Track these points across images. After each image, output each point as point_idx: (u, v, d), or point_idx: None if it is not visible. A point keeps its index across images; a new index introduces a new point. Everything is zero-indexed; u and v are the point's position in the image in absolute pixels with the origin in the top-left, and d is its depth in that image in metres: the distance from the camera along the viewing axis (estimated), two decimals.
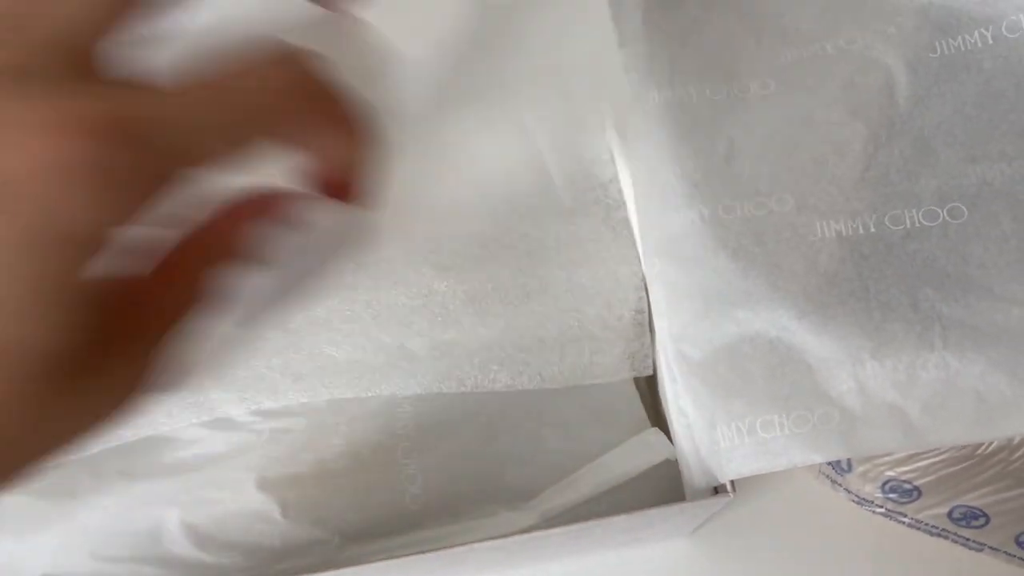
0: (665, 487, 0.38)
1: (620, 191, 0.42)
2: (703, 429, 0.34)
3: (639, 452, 0.38)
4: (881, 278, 0.32)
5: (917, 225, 0.33)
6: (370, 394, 0.37)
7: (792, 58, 0.38)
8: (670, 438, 0.38)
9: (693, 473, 0.35)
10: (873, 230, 0.33)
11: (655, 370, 0.40)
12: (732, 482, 0.34)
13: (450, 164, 0.41)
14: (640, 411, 0.40)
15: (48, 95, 0.16)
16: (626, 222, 0.41)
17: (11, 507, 0.37)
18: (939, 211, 0.33)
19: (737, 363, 0.33)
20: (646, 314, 0.40)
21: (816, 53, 0.38)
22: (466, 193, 0.41)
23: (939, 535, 0.36)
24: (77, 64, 0.18)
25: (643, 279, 0.40)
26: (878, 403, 0.30)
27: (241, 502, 0.36)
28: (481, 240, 0.40)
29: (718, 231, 0.35)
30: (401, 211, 0.39)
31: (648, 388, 0.41)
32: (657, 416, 0.40)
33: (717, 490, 0.35)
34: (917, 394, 0.30)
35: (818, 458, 0.30)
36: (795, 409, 0.31)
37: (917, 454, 0.34)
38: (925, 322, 0.31)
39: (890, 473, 0.34)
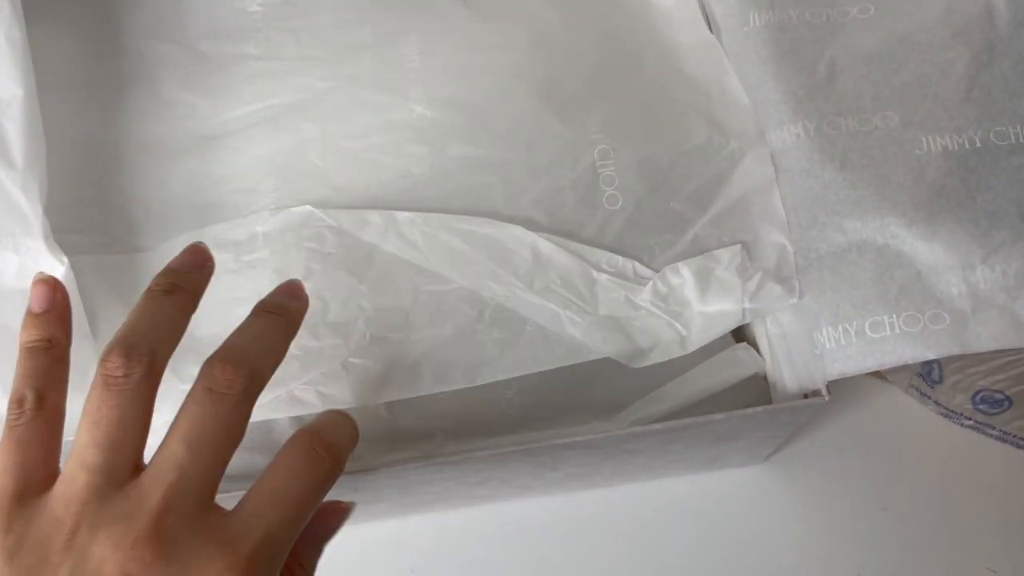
0: (752, 402, 0.39)
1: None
2: (803, 334, 0.35)
3: (727, 366, 0.39)
4: (988, 188, 0.33)
5: (1022, 140, 0.34)
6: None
7: None
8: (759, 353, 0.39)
9: (785, 381, 0.36)
10: (979, 145, 0.34)
11: None
12: (827, 386, 0.35)
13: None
14: (727, 335, 0.41)
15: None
16: None
17: None
18: None
19: (843, 269, 0.34)
20: None
21: None
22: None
23: None
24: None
25: None
26: (988, 305, 0.32)
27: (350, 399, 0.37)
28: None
29: (824, 144, 0.36)
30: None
31: None
32: (743, 338, 0.41)
33: (806, 396, 0.36)
34: None
35: (930, 354, 0.32)
36: (905, 310, 0.32)
37: (1010, 362, 0.35)
38: None
39: (982, 383, 0.36)
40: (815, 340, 0.34)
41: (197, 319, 0.30)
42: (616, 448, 0.38)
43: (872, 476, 0.43)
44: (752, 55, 0.38)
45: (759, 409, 0.35)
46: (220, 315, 0.34)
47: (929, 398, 0.38)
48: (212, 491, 0.27)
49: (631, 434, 0.36)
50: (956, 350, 0.31)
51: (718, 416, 0.35)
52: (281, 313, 0.31)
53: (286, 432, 0.37)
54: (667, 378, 0.39)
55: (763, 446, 0.43)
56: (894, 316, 0.33)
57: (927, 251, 0.33)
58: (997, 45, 0.36)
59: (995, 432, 0.37)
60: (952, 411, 0.37)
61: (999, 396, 0.36)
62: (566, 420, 0.38)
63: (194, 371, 0.29)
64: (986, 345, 0.31)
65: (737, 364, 0.39)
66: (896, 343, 0.32)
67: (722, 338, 0.40)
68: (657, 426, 0.35)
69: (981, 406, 0.36)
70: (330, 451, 0.29)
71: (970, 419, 0.37)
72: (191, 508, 0.26)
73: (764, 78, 0.38)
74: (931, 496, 0.42)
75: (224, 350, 0.29)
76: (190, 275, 0.31)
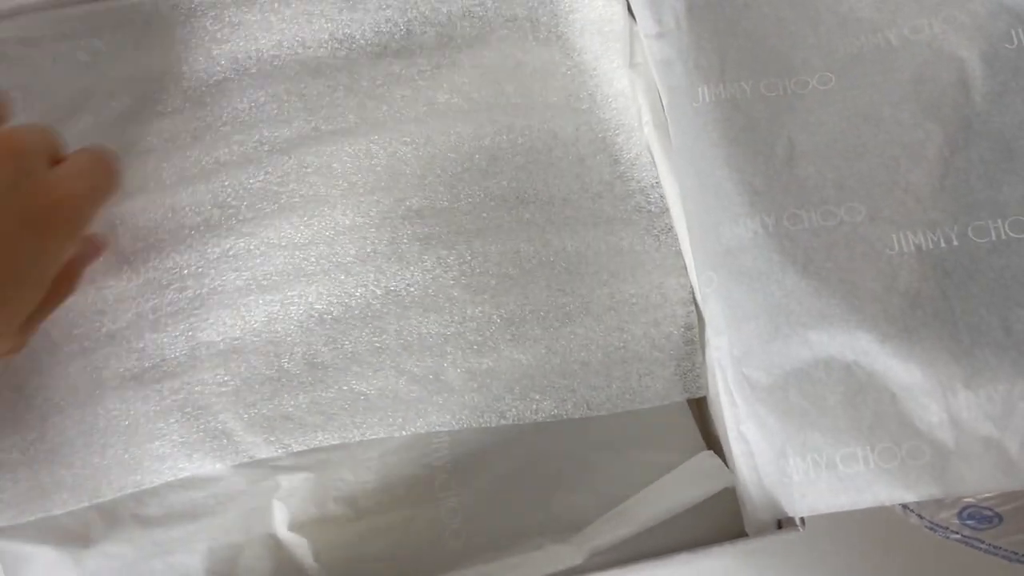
0: (720, 513, 0.35)
1: (662, 196, 0.39)
2: (770, 459, 0.32)
3: (694, 479, 0.35)
4: (968, 297, 0.30)
5: (1004, 237, 0.30)
6: (405, 432, 0.34)
7: (853, 49, 0.35)
8: (725, 461, 0.36)
9: (756, 504, 0.33)
10: (956, 243, 0.30)
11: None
12: (802, 518, 0.31)
13: (480, 177, 0.38)
14: (694, 429, 0.37)
15: None
16: (671, 230, 0.38)
17: (21, 555, 0.34)
18: None
19: (811, 390, 0.31)
20: (696, 330, 0.37)
21: (879, 44, 0.35)
22: (496, 208, 0.38)
23: (1018, 561, 0.34)
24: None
25: (691, 292, 0.37)
26: (973, 437, 0.28)
27: (270, 546, 0.34)
28: (515, 258, 0.37)
29: (784, 243, 0.32)
30: (427, 227, 0.36)
31: (695, 407, 0.39)
32: (707, 437, 0.38)
33: (781, 523, 0.33)
34: (1016, 427, 0.28)
35: (910, 496, 0.28)
36: (880, 441, 0.29)
37: None
38: (1020, 347, 0.28)
39: (969, 500, 0.32)
40: (782, 468, 0.31)
41: None
42: None
43: (855, 572, 0.40)
44: (703, 136, 0.34)
45: (728, 546, 0.32)
46: None
47: (912, 511, 0.34)
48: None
49: None
50: (938, 492, 0.28)
51: (685, 555, 0.32)
52: None
53: None
54: (631, 487, 0.36)
55: (734, 557, 0.40)
56: (868, 448, 0.29)
57: (903, 372, 0.29)
58: (973, 122, 0.32)
59: (984, 546, 0.34)
60: (937, 525, 0.34)
61: (988, 513, 0.32)
62: (518, 547, 0.35)
63: None
64: (971, 488, 0.28)
65: (704, 477, 0.35)
66: (871, 480, 0.29)
67: (689, 439, 0.37)
68: (615, 571, 0.32)
69: (969, 522, 0.33)
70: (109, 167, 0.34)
71: (957, 533, 0.34)
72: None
73: (716, 164, 0.34)
74: None
75: None
76: None
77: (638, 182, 0.39)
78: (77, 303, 0.36)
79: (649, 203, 0.39)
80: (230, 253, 0.36)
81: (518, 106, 0.40)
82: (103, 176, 0.33)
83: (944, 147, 0.32)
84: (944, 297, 0.30)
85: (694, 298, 0.37)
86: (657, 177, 0.39)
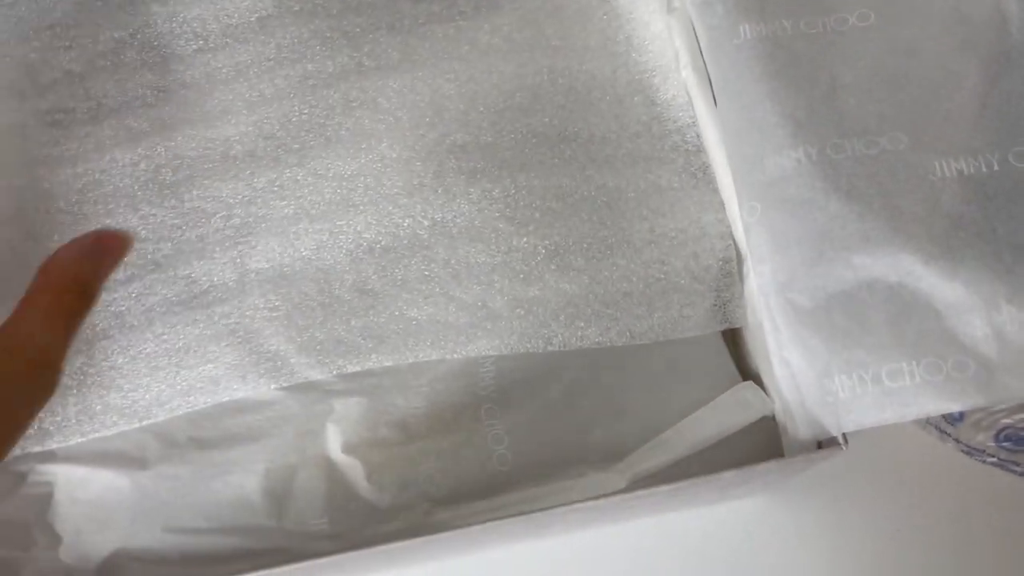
0: (760, 442, 0.36)
1: (699, 135, 0.39)
2: (813, 380, 0.32)
3: (734, 409, 0.36)
4: (1009, 218, 0.30)
5: None
6: (455, 356, 0.35)
7: None
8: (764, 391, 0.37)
9: (798, 426, 0.34)
10: (997, 168, 0.31)
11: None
12: (844, 435, 0.32)
13: (522, 115, 0.39)
14: (730, 364, 0.38)
15: None
16: (707, 168, 0.39)
17: (76, 478, 0.35)
18: None
19: (855, 310, 0.31)
20: (735, 263, 0.38)
21: None
22: (538, 144, 0.39)
23: None
24: None
25: (728, 227, 0.38)
26: (1017, 349, 0.29)
27: (324, 468, 0.35)
28: (558, 192, 0.38)
29: (828, 171, 0.33)
30: (471, 161, 0.37)
31: (732, 342, 0.39)
32: (743, 371, 0.39)
33: (820, 444, 0.34)
34: None
35: (955, 407, 0.29)
36: (925, 356, 0.30)
37: None
38: None
39: (1006, 420, 0.33)
40: (827, 387, 0.32)
41: None
42: (617, 508, 0.35)
43: (885, 507, 0.41)
44: (745, 73, 0.35)
45: (771, 463, 0.33)
46: None
47: (949, 435, 0.35)
48: None
49: (634, 497, 0.33)
50: (983, 401, 0.29)
51: (728, 473, 0.32)
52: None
53: (258, 509, 0.34)
54: (668, 420, 0.37)
55: (771, 485, 0.41)
56: (913, 363, 0.30)
57: (947, 290, 0.30)
58: (1012, 54, 0.33)
59: (1020, 469, 0.35)
60: (974, 448, 0.35)
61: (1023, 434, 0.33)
62: (561, 474, 0.36)
63: None
64: (1017, 396, 0.29)
65: (744, 406, 0.36)
66: (917, 393, 0.30)
67: (725, 373, 0.38)
68: (662, 487, 0.32)
69: (1005, 443, 0.34)
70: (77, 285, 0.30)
71: (993, 456, 0.35)
72: None
73: (759, 99, 0.35)
74: (948, 528, 0.40)
75: None
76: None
77: (675, 122, 0.40)
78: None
79: (686, 142, 0.39)
80: (277, 183, 0.37)
81: (557, 48, 0.40)
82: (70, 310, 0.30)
83: (983, 77, 0.33)
84: (986, 219, 0.31)
85: (731, 233, 0.38)
86: (694, 117, 0.40)
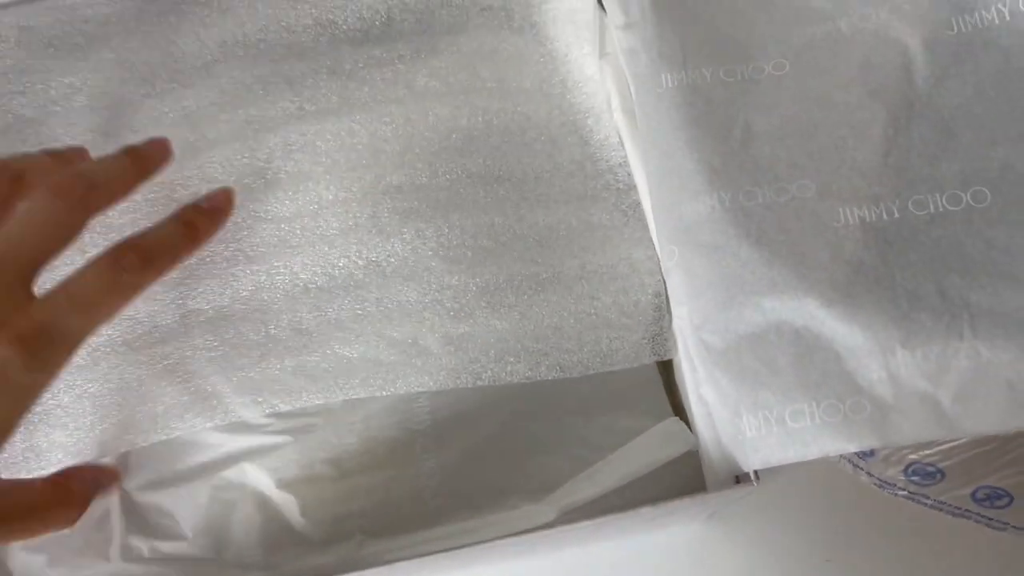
0: (685, 474, 0.38)
1: (630, 174, 0.41)
2: (726, 418, 0.34)
3: (660, 443, 0.38)
4: (907, 265, 0.32)
5: (940, 210, 0.33)
6: (385, 393, 0.36)
7: (806, 37, 0.38)
8: (689, 426, 0.38)
9: (714, 462, 0.35)
10: (897, 215, 0.33)
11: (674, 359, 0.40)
12: (756, 471, 0.34)
13: (457, 155, 0.41)
14: (662, 395, 0.39)
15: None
16: (638, 205, 0.40)
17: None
18: (962, 195, 0.33)
19: (762, 352, 0.33)
20: (664, 297, 0.39)
21: (830, 31, 0.37)
22: (472, 184, 0.40)
23: (961, 515, 0.36)
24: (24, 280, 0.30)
25: (658, 263, 0.39)
26: (910, 392, 0.30)
27: (260, 503, 0.36)
28: (491, 231, 0.39)
29: (739, 217, 0.34)
30: (406, 202, 0.38)
31: (664, 373, 0.41)
32: (674, 403, 0.40)
33: (739, 479, 0.35)
34: (948, 383, 0.30)
35: (851, 447, 0.30)
36: (825, 398, 0.31)
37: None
38: (953, 311, 0.31)
39: (913, 456, 0.35)
40: (737, 425, 0.33)
41: None
42: (544, 541, 0.36)
43: (809, 536, 0.42)
44: (665, 120, 0.37)
45: (687, 499, 0.34)
46: None
47: (861, 469, 0.37)
48: (29, 270, 0.30)
49: (559, 531, 0.34)
50: (877, 443, 0.30)
51: (646, 508, 0.34)
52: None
53: (196, 542, 0.35)
54: (601, 451, 0.38)
55: (701, 515, 0.42)
56: (814, 404, 0.31)
57: (846, 334, 0.32)
58: (915, 104, 0.35)
59: (929, 502, 0.36)
60: (886, 482, 0.36)
61: (931, 469, 0.35)
62: (493, 506, 0.37)
63: None
64: (908, 438, 0.30)
65: (670, 440, 0.38)
66: (816, 433, 0.31)
67: (658, 404, 0.39)
68: (586, 523, 0.34)
69: (914, 478, 0.35)
70: (142, 256, 0.32)
71: (904, 489, 0.36)
72: (7, 277, 0.29)
73: (678, 145, 0.36)
74: (872, 552, 0.41)
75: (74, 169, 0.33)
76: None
77: (607, 162, 0.41)
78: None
79: (618, 181, 0.41)
80: None
81: (493, 90, 0.42)
82: (106, 300, 0.31)
83: (888, 127, 0.34)
84: (885, 265, 0.32)
85: (660, 269, 0.39)
86: (625, 157, 0.41)
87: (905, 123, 0.34)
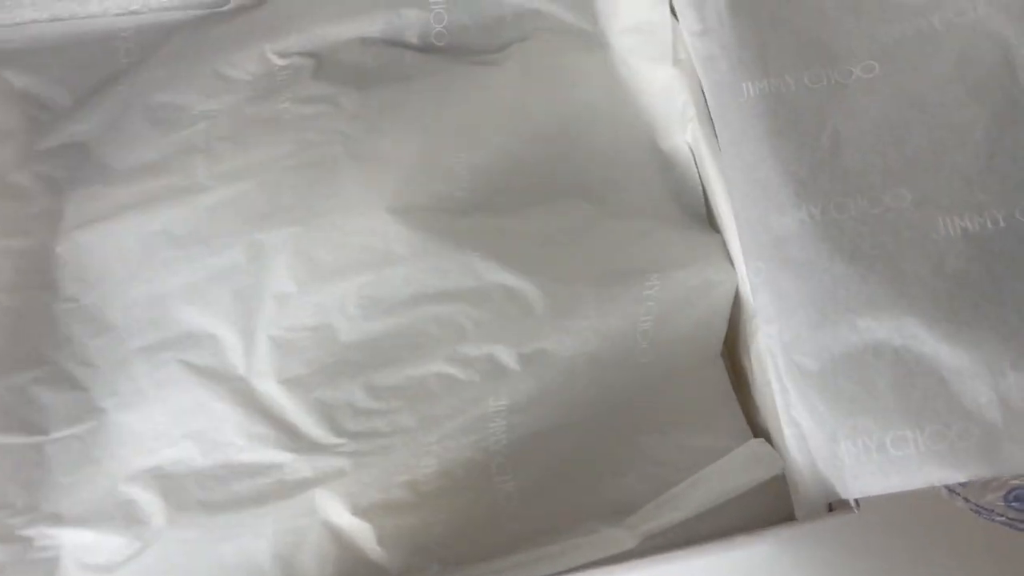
0: (769, 498, 0.36)
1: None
2: (822, 443, 0.32)
3: (745, 466, 0.36)
4: (1016, 278, 0.30)
5: None
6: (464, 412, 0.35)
7: (896, 35, 0.35)
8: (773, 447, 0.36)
9: (808, 488, 0.33)
10: (1003, 224, 0.31)
11: (750, 378, 0.38)
12: (856, 499, 0.32)
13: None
14: (737, 412, 0.38)
15: None
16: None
17: (83, 543, 0.36)
18: None
19: (859, 374, 0.31)
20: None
21: (922, 28, 0.35)
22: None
23: None
24: None
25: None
26: (1022, 417, 0.28)
27: (334, 531, 0.35)
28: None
29: (831, 232, 0.32)
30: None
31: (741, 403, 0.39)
32: (753, 428, 0.38)
33: (831, 506, 0.33)
34: None
35: (960, 476, 0.28)
36: (929, 424, 0.29)
37: None
38: None
39: (1015, 481, 0.33)
40: (834, 451, 0.31)
41: None
42: (631, 571, 0.35)
43: (894, 562, 0.40)
44: (749, 131, 0.35)
45: (782, 528, 0.33)
46: None
47: (958, 494, 0.34)
48: None
49: (648, 562, 0.33)
50: (987, 471, 0.28)
51: (740, 537, 0.32)
52: None
53: (267, 573, 0.35)
54: (679, 472, 0.36)
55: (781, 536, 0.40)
56: (917, 431, 0.29)
57: (950, 355, 0.30)
58: (1020, 101, 0.32)
59: None
60: (983, 507, 0.34)
61: None
62: (572, 530, 0.36)
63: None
64: (1021, 466, 0.28)
65: (755, 464, 0.36)
66: (922, 462, 0.29)
67: (735, 424, 0.38)
68: (676, 552, 0.32)
69: (1015, 504, 0.33)
70: None
71: (1002, 515, 0.34)
72: None
73: (763, 157, 0.34)
74: None
75: None
76: None
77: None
78: None
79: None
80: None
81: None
82: None
83: (991, 128, 0.32)
84: (992, 279, 0.30)
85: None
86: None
87: (1010, 123, 0.32)
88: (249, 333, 0.37)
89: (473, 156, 0.39)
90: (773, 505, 0.35)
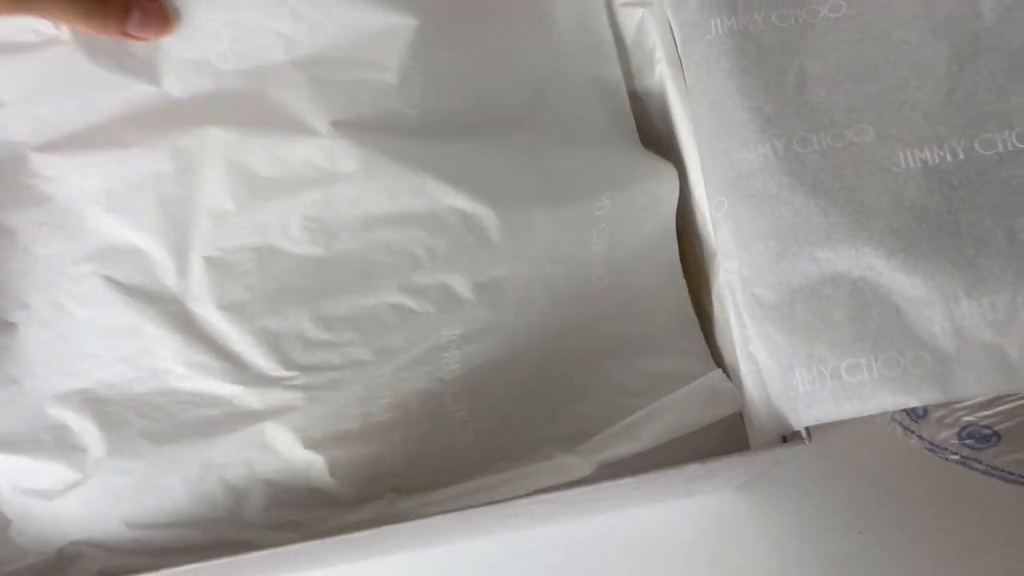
0: (725, 432, 0.36)
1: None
2: (777, 374, 0.32)
3: (705, 401, 0.36)
4: (973, 209, 0.30)
5: (1010, 148, 0.30)
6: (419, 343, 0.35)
7: None
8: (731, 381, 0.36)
9: (762, 421, 0.33)
10: (962, 156, 0.31)
11: (711, 314, 0.38)
12: (807, 429, 0.32)
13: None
14: (698, 336, 0.38)
15: None
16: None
17: (19, 468, 0.34)
18: None
19: (817, 305, 0.31)
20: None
21: None
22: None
23: (1015, 481, 0.34)
24: None
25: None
26: (974, 344, 0.28)
27: (286, 463, 0.34)
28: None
29: (794, 166, 0.32)
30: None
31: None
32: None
33: (785, 439, 0.34)
34: (1017, 333, 0.28)
35: (912, 402, 0.29)
36: (884, 351, 0.29)
37: (999, 398, 0.32)
38: (1023, 255, 0.29)
39: (969, 418, 0.33)
40: (789, 381, 0.31)
41: None
42: (582, 499, 0.35)
43: (850, 504, 0.40)
44: (715, 67, 0.35)
45: (735, 457, 0.33)
46: None
47: (912, 432, 0.35)
48: None
49: (599, 489, 0.33)
50: (939, 397, 0.28)
51: (692, 466, 0.32)
52: None
53: (218, 504, 0.34)
54: (637, 399, 0.36)
55: (737, 480, 0.40)
56: (871, 358, 0.30)
57: (907, 284, 0.30)
58: (982, 36, 0.32)
59: (981, 467, 0.34)
60: (937, 445, 0.34)
61: (987, 432, 0.33)
62: (527, 457, 0.36)
63: None
64: (972, 391, 0.28)
65: (714, 399, 0.36)
66: (875, 388, 0.29)
67: (691, 345, 0.38)
68: (628, 479, 0.32)
69: (968, 441, 0.33)
70: None
71: (956, 454, 0.34)
72: None
73: (729, 93, 0.34)
74: (912, 525, 0.39)
75: None
76: None
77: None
78: None
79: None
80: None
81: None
82: None
83: (952, 62, 0.32)
84: (949, 210, 0.30)
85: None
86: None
87: (971, 58, 0.32)
88: (183, 252, 0.34)
89: (426, 72, 0.37)
90: (728, 440, 0.36)
